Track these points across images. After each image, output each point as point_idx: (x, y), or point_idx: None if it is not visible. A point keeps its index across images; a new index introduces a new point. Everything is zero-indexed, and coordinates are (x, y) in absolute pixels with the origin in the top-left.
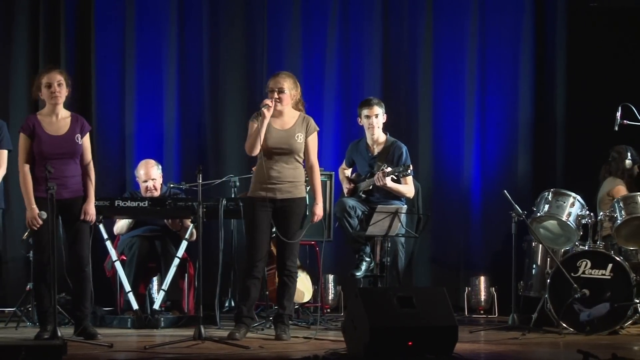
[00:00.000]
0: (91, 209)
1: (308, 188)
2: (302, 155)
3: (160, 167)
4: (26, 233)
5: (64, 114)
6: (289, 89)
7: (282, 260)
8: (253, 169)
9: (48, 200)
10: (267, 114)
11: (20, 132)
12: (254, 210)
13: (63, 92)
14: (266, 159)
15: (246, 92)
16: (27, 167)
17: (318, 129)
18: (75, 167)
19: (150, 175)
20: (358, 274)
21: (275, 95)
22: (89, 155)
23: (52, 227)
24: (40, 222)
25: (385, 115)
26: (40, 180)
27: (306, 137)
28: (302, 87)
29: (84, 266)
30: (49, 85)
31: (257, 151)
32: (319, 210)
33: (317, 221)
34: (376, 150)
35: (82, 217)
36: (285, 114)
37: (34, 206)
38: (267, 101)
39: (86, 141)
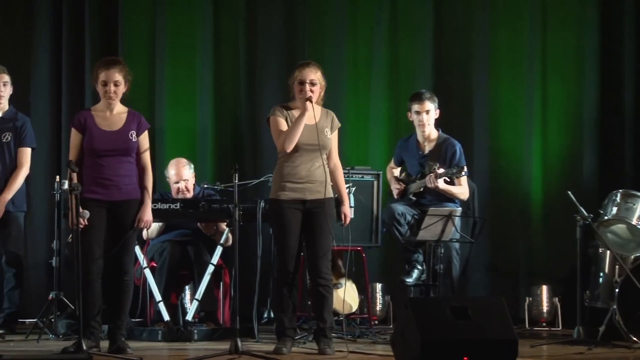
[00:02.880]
0: (147, 215)
1: None
2: (327, 152)
3: (192, 166)
4: (70, 235)
5: (119, 109)
6: (320, 80)
7: (315, 268)
8: None
9: (72, 202)
10: (311, 107)
11: (71, 127)
12: (283, 213)
13: (120, 92)
14: (294, 156)
15: (285, 84)
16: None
17: (340, 124)
18: (130, 167)
19: (182, 175)
20: (409, 280)
21: (308, 88)
22: (146, 156)
23: (76, 234)
24: (84, 221)
25: (437, 110)
26: (90, 180)
27: (331, 132)
28: (346, 78)
29: (124, 275)
30: (105, 84)
31: (293, 146)
32: (348, 212)
33: (349, 223)
34: (427, 148)
35: (136, 224)
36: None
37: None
38: (310, 94)
39: (143, 140)
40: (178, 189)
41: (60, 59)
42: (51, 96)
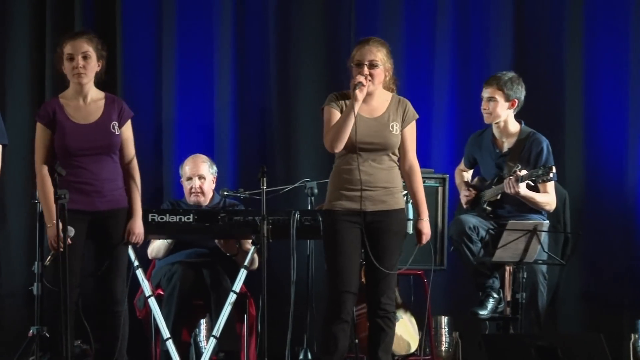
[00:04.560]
0: (138, 227)
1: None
2: (396, 152)
3: (214, 167)
4: (49, 257)
5: (95, 96)
6: (383, 62)
7: (375, 296)
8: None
9: (59, 214)
10: (361, 95)
11: (37, 120)
12: (337, 227)
13: (91, 67)
14: (350, 157)
15: (325, 72)
16: (45, 168)
17: (417, 116)
18: (114, 167)
19: (199, 170)
20: (483, 313)
21: (366, 71)
22: (131, 150)
23: (64, 252)
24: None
25: (515, 100)
26: (65, 187)
27: (402, 127)
28: (403, 66)
29: (116, 305)
30: (71, 58)
31: (341, 146)
32: (426, 228)
33: (426, 242)
34: (506, 145)
35: (126, 238)
36: (375, 96)
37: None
38: (361, 78)
39: (127, 131)
40: (191, 188)
41: (43, 36)
42: (31, 80)
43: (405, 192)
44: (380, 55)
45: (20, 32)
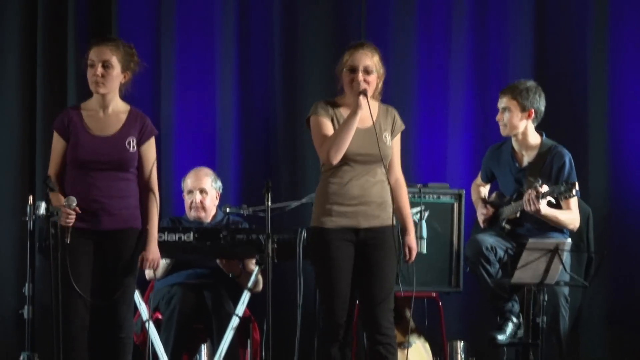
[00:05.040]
0: (152, 253)
1: None
2: (387, 164)
3: (218, 182)
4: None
5: (118, 107)
6: (377, 67)
7: (372, 320)
8: None
9: (54, 232)
10: (364, 103)
11: (53, 129)
12: (329, 246)
13: (111, 77)
14: (343, 170)
15: (333, 83)
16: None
17: (404, 126)
18: (126, 185)
19: (201, 184)
20: (501, 338)
21: (361, 77)
22: (152, 172)
23: (55, 271)
24: (71, 212)
25: (531, 111)
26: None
27: (391, 137)
28: (417, 71)
29: (121, 331)
30: (92, 65)
31: (340, 157)
32: (414, 243)
33: (413, 260)
34: (526, 158)
35: (139, 264)
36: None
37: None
38: (365, 85)
39: (148, 150)
40: (191, 202)
41: (34, 44)
42: (21, 88)
43: (419, 209)
44: (374, 61)
45: (11, 39)
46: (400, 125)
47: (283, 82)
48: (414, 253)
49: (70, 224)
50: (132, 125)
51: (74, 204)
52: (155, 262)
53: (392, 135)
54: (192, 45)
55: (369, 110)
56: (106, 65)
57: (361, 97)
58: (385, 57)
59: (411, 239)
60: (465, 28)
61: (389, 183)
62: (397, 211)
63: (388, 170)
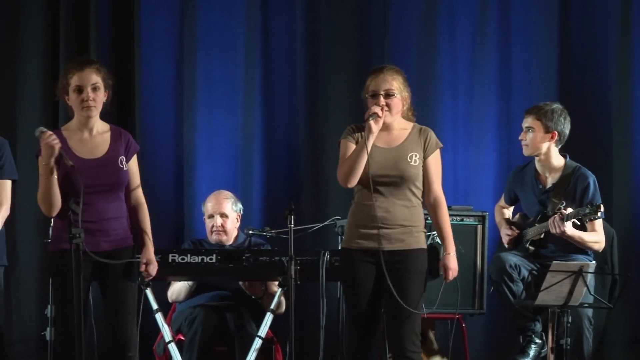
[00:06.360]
0: (153, 260)
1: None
2: (419, 185)
3: (239, 204)
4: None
5: (100, 128)
6: (400, 90)
7: (397, 343)
8: None
9: (73, 255)
10: (376, 127)
11: (38, 156)
12: (353, 266)
13: (99, 99)
14: (366, 192)
15: (356, 106)
16: None
17: (441, 145)
18: (119, 206)
19: (221, 208)
20: (524, 359)
21: (382, 102)
22: (137, 183)
23: (78, 295)
24: (48, 134)
25: (554, 132)
26: (67, 226)
27: (425, 157)
28: (440, 88)
29: (127, 350)
30: (80, 90)
31: (355, 181)
32: (452, 263)
33: (452, 279)
34: (550, 180)
35: (142, 268)
36: (393, 126)
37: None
38: (376, 109)
39: (134, 165)
40: (212, 226)
41: (57, 67)
42: (44, 110)
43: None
44: (396, 84)
45: (33, 63)
46: (435, 143)
47: (306, 105)
48: (451, 273)
49: (57, 143)
50: (118, 144)
51: (41, 129)
52: (154, 269)
53: (426, 154)
54: (215, 70)
55: (393, 132)
56: (94, 88)
57: (372, 122)
58: (408, 77)
59: (449, 258)
60: (488, 48)
61: (428, 202)
62: (437, 230)
63: (426, 189)
